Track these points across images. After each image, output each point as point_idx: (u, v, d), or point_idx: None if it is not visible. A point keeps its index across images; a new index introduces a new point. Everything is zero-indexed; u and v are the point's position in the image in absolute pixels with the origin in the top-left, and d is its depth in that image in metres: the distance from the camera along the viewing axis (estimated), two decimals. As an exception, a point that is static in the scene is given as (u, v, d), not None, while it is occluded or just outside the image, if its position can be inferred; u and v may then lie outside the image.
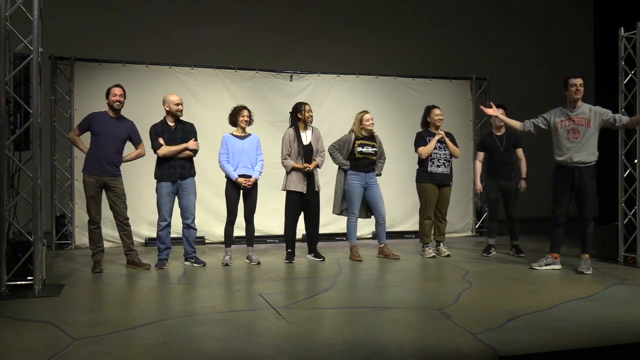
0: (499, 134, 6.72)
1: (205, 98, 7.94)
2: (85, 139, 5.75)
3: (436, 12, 9.66)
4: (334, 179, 6.52)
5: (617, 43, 6.00)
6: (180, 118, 5.95)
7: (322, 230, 7.29)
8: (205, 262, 6.04)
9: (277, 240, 7.76)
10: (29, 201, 4.68)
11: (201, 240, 7.59)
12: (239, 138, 6.13)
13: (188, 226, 5.95)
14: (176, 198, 5.90)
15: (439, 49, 9.43)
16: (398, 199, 8.36)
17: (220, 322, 3.71)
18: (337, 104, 8.41)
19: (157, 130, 5.83)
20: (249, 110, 6.17)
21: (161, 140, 5.79)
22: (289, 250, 6.29)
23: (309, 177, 6.19)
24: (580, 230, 5.54)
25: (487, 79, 9.00)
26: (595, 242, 6.44)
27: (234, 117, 6.14)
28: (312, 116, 6.26)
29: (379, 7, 9.38)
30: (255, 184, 6.11)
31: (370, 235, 8.12)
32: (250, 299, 4.44)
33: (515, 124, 5.78)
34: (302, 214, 6.31)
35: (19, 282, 4.59)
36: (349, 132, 6.49)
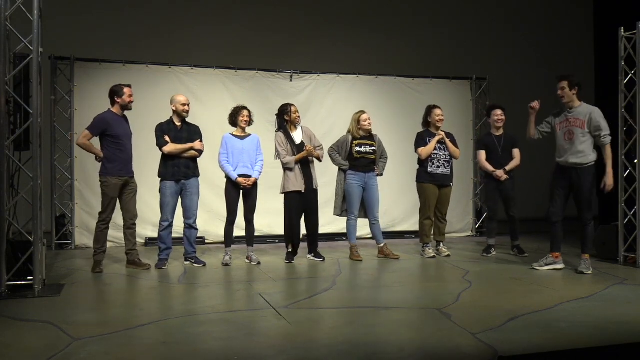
0: (497, 134, 6.72)
1: (205, 98, 7.94)
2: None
3: (436, 12, 9.66)
4: (334, 179, 6.52)
5: (617, 43, 6.00)
6: (186, 119, 5.96)
7: (322, 230, 7.29)
8: (206, 262, 6.04)
9: (277, 240, 7.77)
10: (29, 201, 4.68)
11: (201, 240, 7.60)
12: (238, 138, 6.13)
13: (189, 226, 5.95)
14: (179, 198, 5.91)
15: (439, 49, 9.43)
16: (398, 199, 8.37)
17: (220, 322, 3.71)
18: (337, 104, 8.41)
19: (163, 129, 5.84)
20: (248, 111, 6.18)
21: (167, 138, 5.79)
22: (289, 250, 6.29)
23: (307, 176, 6.19)
24: (580, 231, 5.53)
25: (487, 79, 9.00)
26: (595, 242, 6.44)
27: (234, 117, 6.14)
28: (299, 117, 6.27)
29: (379, 7, 9.38)
30: (255, 184, 6.11)
31: (370, 235, 8.12)
32: (250, 299, 4.44)
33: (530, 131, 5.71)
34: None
35: (19, 282, 4.59)
36: (347, 133, 6.49)
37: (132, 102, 5.72)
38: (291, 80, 8.37)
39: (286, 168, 6.16)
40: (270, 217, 7.54)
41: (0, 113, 4.48)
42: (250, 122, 6.19)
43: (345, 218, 6.51)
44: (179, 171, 5.83)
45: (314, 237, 6.37)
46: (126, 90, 5.68)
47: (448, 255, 6.60)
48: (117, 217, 6.05)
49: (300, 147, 6.19)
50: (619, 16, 6.87)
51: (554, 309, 3.96)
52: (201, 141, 5.95)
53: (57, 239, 7.41)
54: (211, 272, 5.69)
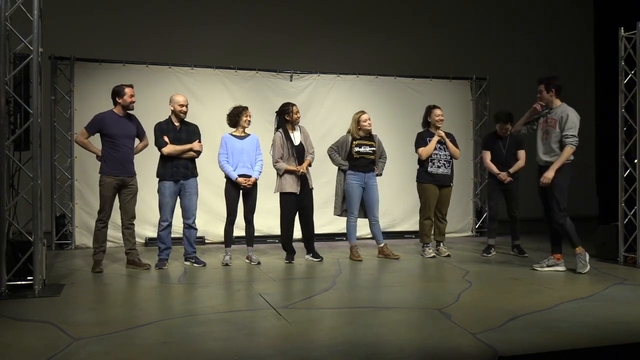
0: (502, 135, 6.71)
1: (205, 98, 7.94)
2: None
3: (436, 12, 9.66)
4: (333, 179, 6.52)
5: (617, 43, 6.00)
6: (185, 118, 5.96)
7: (322, 230, 7.31)
8: (205, 262, 6.04)
9: (277, 240, 7.74)
10: (29, 201, 4.68)
11: (201, 240, 7.60)
12: (238, 138, 6.13)
13: (189, 226, 5.95)
14: (178, 198, 5.91)
15: (439, 49, 9.43)
16: (398, 198, 8.37)
17: (220, 322, 3.71)
18: (337, 104, 8.40)
19: (162, 129, 5.84)
20: (249, 111, 6.19)
21: (166, 139, 5.79)
22: (287, 251, 6.29)
23: (302, 177, 6.19)
24: (560, 232, 5.47)
25: (487, 79, 9.00)
26: (595, 242, 6.44)
27: (236, 117, 6.14)
28: (299, 117, 6.26)
29: (379, 7, 9.38)
30: (255, 184, 6.11)
31: (370, 235, 8.12)
32: (250, 299, 4.44)
33: (517, 126, 5.81)
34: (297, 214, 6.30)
35: (19, 282, 4.59)
36: (347, 133, 6.49)
37: (133, 102, 5.72)
38: (291, 80, 8.37)
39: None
40: (270, 217, 7.54)
41: (0, 113, 4.48)
42: (249, 122, 6.21)
43: (345, 218, 6.51)
44: (178, 171, 5.83)
45: (310, 238, 6.37)
46: (127, 90, 5.68)
47: (448, 255, 6.59)
48: (117, 217, 6.06)
49: (298, 148, 6.18)
50: (619, 16, 6.88)
51: (554, 309, 3.96)
52: (200, 141, 5.95)
53: (57, 239, 7.41)
54: (211, 272, 5.69)
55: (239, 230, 6.31)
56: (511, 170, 6.61)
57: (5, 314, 3.90)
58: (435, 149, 6.50)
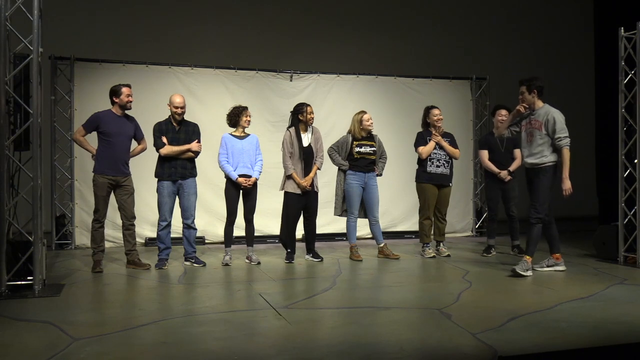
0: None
1: (205, 98, 7.94)
2: (88, 138, 5.75)
3: (436, 13, 9.67)
4: (333, 179, 6.52)
5: (617, 43, 6.00)
6: (184, 118, 5.96)
7: (322, 230, 7.31)
8: (205, 262, 6.04)
9: (277, 240, 7.76)
10: (29, 201, 4.68)
11: (201, 240, 7.60)
12: (238, 138, 6.13)
13: (188, 226, 5.95)
14: (177, 198, 5.91)
15: (439, 49, 9.44)
16: (398, 198, 8.37)
17: (220, 322, 3.71)
18: (337, 104, 8.41)
19: (161, 129, 5.84)
20: (249, 111, 6.19)
21: (164, 139, 5.79)
22: (288, 250, 6.29)
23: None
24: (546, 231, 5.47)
25: (487, 79, 9.00)
26: (595, 242, 6.44)
27: (236, 117, 6.13)
28: (313, 118, 6.24)
29: (379, 7, 9.39)
30: (255, 184, 6.11)
31: (370, 235, 8.12)
32: (250, 299, 4.44)
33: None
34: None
35: (19, 282, 4.59)
36: (347, 134, 6.49)
37: (130, 101, 5.70)
38: (291, 80, 8.37)
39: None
40: (270, 217, 7.55)
41: (0, 113, 4.48)
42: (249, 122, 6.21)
43: (345, 218, 6.51)
44: (176, 171, 5.83)
45: (312, 239, 6.37)
46: (124, 89, 5.68)
47: (448, 255, 6.59)
48: (117, 217, 6.06)
49: (307, 150, 6.18)
50: (619, 16, 6.87)
51: (554, 309, 3.96)
52: (199, 141, 5.94)
53: (57, 239, 7.41)
54: (211, 272, 5.69)
55: (239, 230, 6.31)
56: (511, 169, 6.61)
57: (5, 314, 3.90)
58: (434, 148, 6.50)
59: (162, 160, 5.83)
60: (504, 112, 6.66)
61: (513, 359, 2.96)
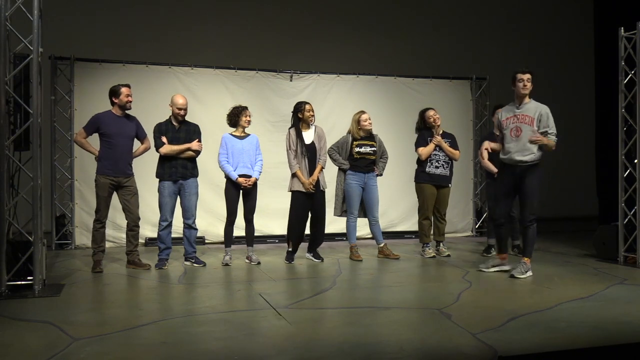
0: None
1: (205, 98, 7.94)
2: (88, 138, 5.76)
3: (436, 12, 9.66)
4: (333, 179, 6.52)
5: (617, 43, 6.00)
6: (185, 118, 5.96)
7: (323, 230, 7.29)
8: (205, 262, 6.04)
9: (277, 240, 7.77)
10: (29, 201, 4.68)
11: (201, 240, 7.60)
12: (238, 138, 6.13)
13: (189, 226, 5.95)
14: (177, 198, 5.91)
15: (439, 49, 9.43)
16: (398, 198, 8.37)
17: (220, 322, 3.71)
18: (337, 104, 8.40)
19: (161, 129, 5.84)
20: (249, 111, 6.19)
21: (164, 139, 5.79)
22: (289, 250, 6.29)
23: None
24: (524, 232, 5.35)
25: (487, 79, 9.00)
26: (595, 242, 6.44)
27: (236, 117, 6.14)
28: (313, 116, 6.22)
29: (378, 7, 9.38)
30: (255, 184, 6.11)
31: (370, 235, 8.12)
32: (250, 299, 4.44)
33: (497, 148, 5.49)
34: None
35: (19, 282, 4.59)
36: (347, 134, 6.49)
37: (129, 101, 5.69)
38: (291, 80, 8.37)
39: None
40: (270, 217, 7.54)
41: (0, 113, 4.48)
42: (250, 122, 6.21)
43: (345, 218, 6.51)
44: (177, 171, 5.83)
45: (319, 238, 6.36)
46: (123, 90, 5.67)
47: (448, 255, 6.59)
48: (117, 217, 6.07)
49: (310, 147, 6.17)
50: (619, 16, 6.86)
51: (554, 309, 3.97)
52: (199, 141, 5.94)
53: (57, 239, 7.41)
54: (211, 272, 5.69)
55: (239, 230, 6.31)
56: None
57: (5, 314, 3.90)
58: (434, 149, 6.50)
59: (163, 160, 5.83)
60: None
61: (513, 359, 2.96)
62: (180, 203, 5.92)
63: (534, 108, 5.23)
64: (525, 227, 5.27)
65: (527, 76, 5.19)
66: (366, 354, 3.02)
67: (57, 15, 6.85)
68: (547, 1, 10.13)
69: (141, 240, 7.36)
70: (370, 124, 6.41)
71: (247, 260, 6.19)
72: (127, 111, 5.75)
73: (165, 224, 5.85)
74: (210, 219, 7.66)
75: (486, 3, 9.86)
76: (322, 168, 6.23)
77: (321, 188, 6.22)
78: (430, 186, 6.54)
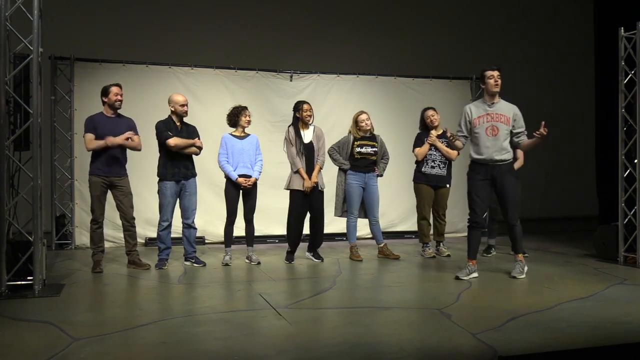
0: None
1: (205, 98, 7.94)
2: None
3: (436, 12, 9.65)
4: (334, 178, 6.52)
5: (617, 43, 6.00)
6: (184, 119, 5.97)
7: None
8: (205, 262, 6.04)
9: (277, 240, 7.77)
10: (29, 201, 4.68)
11: (201, 240, 7.60)
12: (238, 138, 6.14)
13: (189, 226, 5.96)
14: (177, 198, 5.92)
15: (439, 49, 9.42)
16: (397, 198, 8.37)
17: (220, 322, 3.71)
18: (337, 104, 8.40)
19: (166, 125, 5.84)
20: (249, 111, 6.20)
21: (170, 133, 5.79)
22: (289, 250, 6.29)
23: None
24: (509, 232, 5.27)
25: (487, 79, 8.98)
26: (595, 242, 6.44)
27: (236, 117, 6.14)
28: (310, 115, 6.20)
29: (378, 7, 9.37)
30: (255, 184, 6.11)
31: (370, 235, 8.12)
32: (250, 299, 4.44)
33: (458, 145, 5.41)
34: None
35: (19, 282, 4.59)
36: (348, 134, 6.50)
37: (119, 100, 5.65)
38: (291, 80, 8.38)
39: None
40: (270, 217, 7.54)
41: (0, 113, 4.48)
42: (249, 122, 6.21)
43: (345, 218, 6.51)
44: (179, 172, 5.83)
45: (318, 238, 6.36)
46: (113, 89, 5.65)
47: (448, 255, 6.59)
48: (116, 216, 6.06)
49: (308, 147, 6.17)
50: (619, 16, 6.86)
51: (554, 309, 3.97)
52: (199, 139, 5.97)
53: (57, 239, 7.41)
54: (211, 272, 5.69)
55: (239, 230, 6.31)
56: None
57: (5, 314, 3.90)
58: (430, 149, 6.50)
59: (166, 160, 5.82)
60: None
61: (513, 359, 2.96)
62: (180, 203, 5.92)
63: (507, 107, 5.20)
64: (513, 227, 5.20)
65: (497, 73, 5.15)
66: (366, 354, 3.02)
67: (57, 15, 6.84)
68: (547, 1, 10.13)
69: (141, 240, 7.38)
70: (367, 124, 6.40)
71: (247, 260, 6.19)
72: (118, 111, 5.72)
73: (165, 224, 5.85)
74: (210, 219, 7.65)
75: (486, 3, 9.85)
76: (321, 168, 6.24)
77: (319, 188, 6.22)
78: (426, 186, 6.54)
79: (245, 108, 6.18)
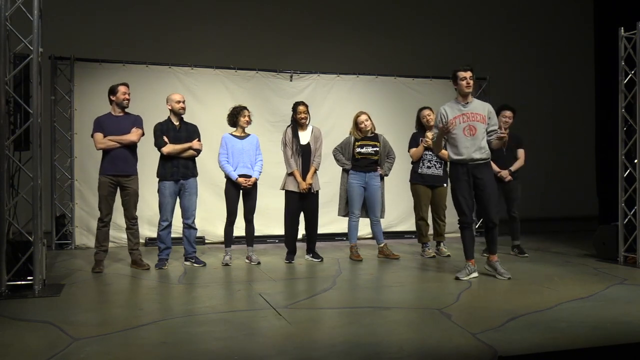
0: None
1: (205, 98, 7.94)
2: (88, 139, 5.73)
3: (436, 12, 9.65)
4: (334, 178, 6.53)
5: (617, 43, 6.00)
6: (184, 118, 5.96)
7: (323, 230, 7.29)
8: (205, 262, 6.04)
9: (277, 240, 7.76)
10: (29, 201, 4.68)
11: (201, 240, 7.60)
12: (238, 138, 6.14)
13: (189, 226, 5.96)
14: (177, 198, 5.91)
15: (439, 49, 9.42)
16: (397, 198, 8.35)
17: (220, 322, 3.71)
18: (337, 104, 8.41)
19: (162, 129, 5.84)
20: (249, 111, 6.20)
21: (165, 139, 5.79)
22: (288, 250, 6.29)
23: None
24: (486, 233, 5.29)
25: (487, 79, 8.99)
26: (595, 242, 6.44)
27: (235, 117, 6.15)
28: (305, 117, 6.20)
29: (378, 7, 9.37)
30: (255, 184, 6.11)
31: (370, 235, 8.12)
32: (250, 299, 4.45)
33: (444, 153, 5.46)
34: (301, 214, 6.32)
35: (19, 282, 4.59)
36: (350, 134, 6.50)
37: (127, 99, 5.68)
38: (291, 80, 8.38)
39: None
40: (270, 217, 7.54)
41: (0, 113, 4.48)
42: (249, 122, 6.21)
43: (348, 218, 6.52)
44: (178, 171, 5.83)
45: (312, 239, 6.37)
46: (120, 88, 5.67)
47: (448, 256, 6.59)
48: (117, 217, 6.06)
49: (305, 148, 6.18)
50: (619, 16, 6.86)
51: (554, 309, 3.97)
52: (199, 140, 5.95)
53: (57, 239, 7.41)
54: (211, 272, 5.69)
55: (239, 230, 6.31)
56: (512, 169, 6.61)
57: (5, 314, 3.90)
58: (424, 150, 6.49)
59: (164, 160, 5.83)
60: (508, 112, 6.61)
61: (513, 359, 2.96)
62: (180, 203, 5.93)
63: (481, 106, 5.20)
64: (493, 227, 5.19)
65: (469, 74, 5.11)
66: (366, 354, 3.02)
67: (57, 15, 6.84)
68: (547, 1, 10.13)
69: (141, 240, 7.37)
70: (367, 125, 6.40)
71: (247, 260, 6.19)
72: (126, 109, 5.75)
73: (165, 224, 5.85)
74: (210, 219, 7.65)
75: (486, 3, 9.85)
76: (316, 170, 6.24)
77: (313, 190, 6.22)
78: (423, 187, 6.54)
79: (245, 108, 6.19)
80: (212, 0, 8.69)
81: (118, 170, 5.62)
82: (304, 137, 6.23)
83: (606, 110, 7.41)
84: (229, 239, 6.15)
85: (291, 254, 6.27)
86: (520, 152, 6.71)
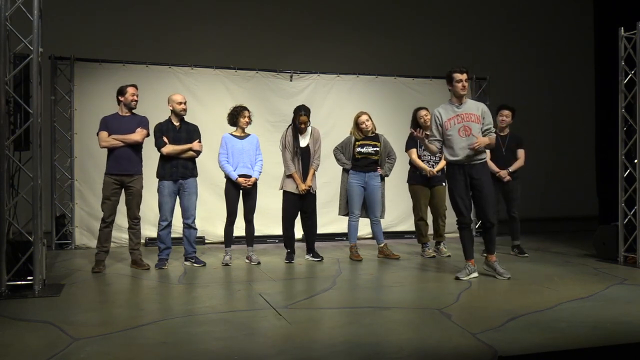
0: (502, 134, 6.70)
1: (205, 98, 7.94)
2: (88, 139, 5.73)
3: (436, 12, 9.65)
4: (334, 178, 6.53)
5: (617, 43, 6.00)
6: (184, 118, 5.97)
7: (323, 230, 7.30)
8: (205, 262, 6.04)
9: (277, 240, 7.76)
10: (29, 201, 4.68)
11: (201, 240, 7.60)
12: (238, 138, 6.14)
13: (189, 226, 5.96)
14: (177, 198, 5.91)
15: (439, 49, 9.42)
16: (397, 198, 8.35)
17: (220, 322, 3.71)
18: (337, 104, 8.41)
19: (162, 129, 5.85)
20: (249, 111, 6.20)
21: (165, 139, 5.79)
22: (288, 250, 6.30)
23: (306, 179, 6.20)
24: (485, 233, 5.24)
25: (487, 79, 8.99)
26: (595, 242, 6.44)
27: (235, 118, 6.15)
28: (304, 123, 6.17)
29: (379, 7, 9.37)
30: (255, 184, 6.11)
31: (370, 235, 8.12)
32: (250, 299, 4.45)
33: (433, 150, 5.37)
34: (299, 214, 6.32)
35: (19, 282, 4.59)
36: (350, 134, 6.51)
37: (135, 100, 5.72)
38: (291, 80, 8.38)
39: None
40: (270, 217, 7.53)
41: (0, 113, 4.48)
42: (249, 122, 6.21)
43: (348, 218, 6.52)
44: (177, 171, 5.83)
45: (311, 238, 6.37)
46: (129, 89, 5.70)
47: (448, 256, 6.59)
48: (118, 217, 6.05)
49: (304, 151, 6.19)
50: (619, 16, 6.86)
51: (554, 309, 3.96)
52: (200, 141, 5.95)
53: (57, 239, 7.41)
54: (211, 272, 5.69)
55: (239, 230, 6.31)
56: (511, 169, 6.61)
57: (5, 314, 3.90)
58: (421, 148, 6.48)
59: (164, 160, 5.83)
60: (506, 112, 6.64)
61: (513, 359, 2.96)
62: (180, 203, 5.93)
63: (474, 105, 5.21)
64: (491, 227, 5.18)
65: (465, 76, 5.12)
66: (366, 354, 3.02)
67: (57, 15, 6.84)
68: (547, 1, 10.13)
69: (142, 240, 7.38)
70: (367, 125, 6.40)
71: (247, 260, 6.19)
72: (133, 110, 5.76)
73: (165, 223, 5.85)
74: (210, 219, 7.65)
75: (486, 3, 9.85)
76: (315, 172, 6.25)
77: (312, 191, 6.22)
78: (422, 187, 6.54)
79: (245, 108, 6.19)
80: (212, 0, 8.69)
81: (121, 170, 5.63)
82: (304, 139, 6.24)
83: (606, 110, 7.41)
84: (229, 239, 6.15)
85: (291, 254, 6.27)
86: (520, 153, 6.71)
